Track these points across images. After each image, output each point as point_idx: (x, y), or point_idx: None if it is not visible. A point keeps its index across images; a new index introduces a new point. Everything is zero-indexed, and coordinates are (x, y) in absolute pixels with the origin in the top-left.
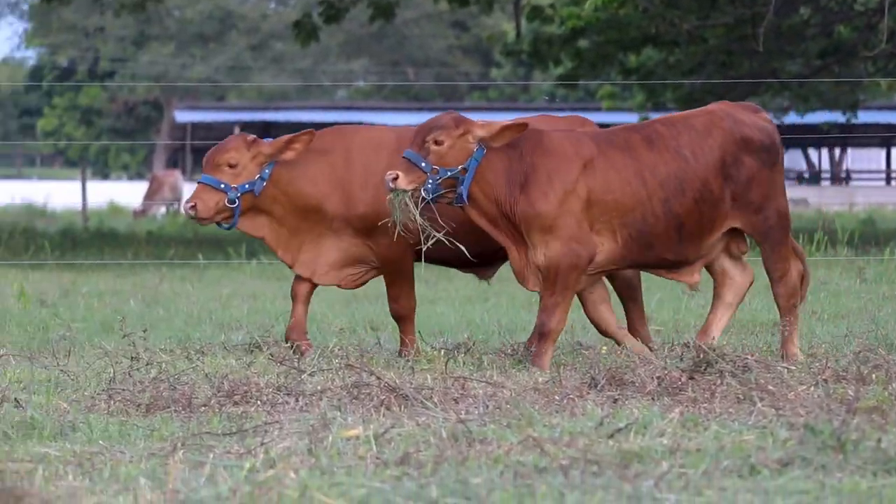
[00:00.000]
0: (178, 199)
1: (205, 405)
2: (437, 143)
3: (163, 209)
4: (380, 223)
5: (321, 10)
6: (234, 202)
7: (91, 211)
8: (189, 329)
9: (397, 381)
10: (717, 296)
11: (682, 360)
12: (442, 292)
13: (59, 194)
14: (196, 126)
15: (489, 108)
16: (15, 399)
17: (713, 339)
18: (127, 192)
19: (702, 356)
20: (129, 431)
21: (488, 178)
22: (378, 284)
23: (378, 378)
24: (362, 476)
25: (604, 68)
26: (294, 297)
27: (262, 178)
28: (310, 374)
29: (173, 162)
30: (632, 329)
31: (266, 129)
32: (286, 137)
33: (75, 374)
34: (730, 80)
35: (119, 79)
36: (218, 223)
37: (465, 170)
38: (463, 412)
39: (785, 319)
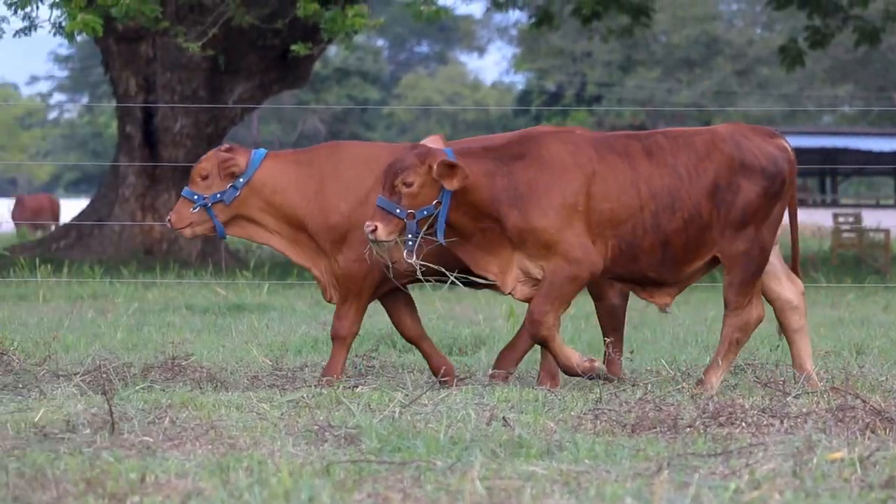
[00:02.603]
0: None
1: (690, 426)
2: (406, 185)
3: None
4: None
5: (807, 35)
6: (196, 210)
7: None
8: (675, 351)
9: (883, 405)
10: (784, 326)
11: None
12: None
13: None
14: None
15: None
16: (503, 418)
17: (808, 370)
18: None
19: None
20: (614, 451)
21: (467, 199)
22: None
23: (863, 401)
24: (847, 499)
25: None
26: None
27: (234, 188)
28: (794, 397)
29: None
30: (608, 358)
31: None
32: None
33: (562, 394)
34: None
35: (606, 103)
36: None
37: (439, 203)
38: None
39: (720, 348)
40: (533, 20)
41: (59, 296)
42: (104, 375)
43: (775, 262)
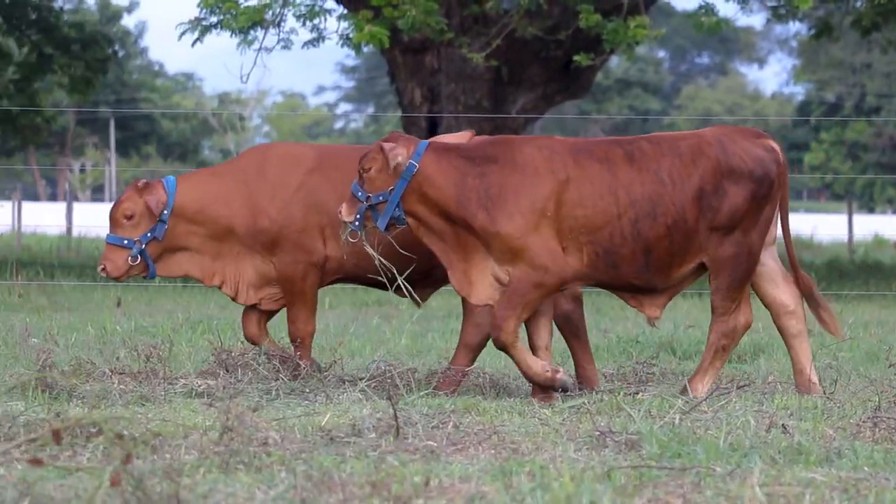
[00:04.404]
0: None
1: None
2: (364, 169)
3: None
4: (281, 240)
5: None
6: (137, 259)
7: (857, 243)
8: None
9: None
10: (782, 331)
11: None
12: None
13: (825, 227)
14: None
15: None
16: (783, 425)
17: (810, 378)
18: (892, 225)
19: None
20: (894, 459)
21: (431, 194)
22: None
23: None
24: None
25: None
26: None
27: (162, 222)
28: None
29: None
30: (578, 366)
31: None
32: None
33: (841, 401)
34: None
35: (885, 114)
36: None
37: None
38: None
39: (705, 355)
40: (813, 31)
41: (344, 302)
42: (389, 381)
43: (773, 265)
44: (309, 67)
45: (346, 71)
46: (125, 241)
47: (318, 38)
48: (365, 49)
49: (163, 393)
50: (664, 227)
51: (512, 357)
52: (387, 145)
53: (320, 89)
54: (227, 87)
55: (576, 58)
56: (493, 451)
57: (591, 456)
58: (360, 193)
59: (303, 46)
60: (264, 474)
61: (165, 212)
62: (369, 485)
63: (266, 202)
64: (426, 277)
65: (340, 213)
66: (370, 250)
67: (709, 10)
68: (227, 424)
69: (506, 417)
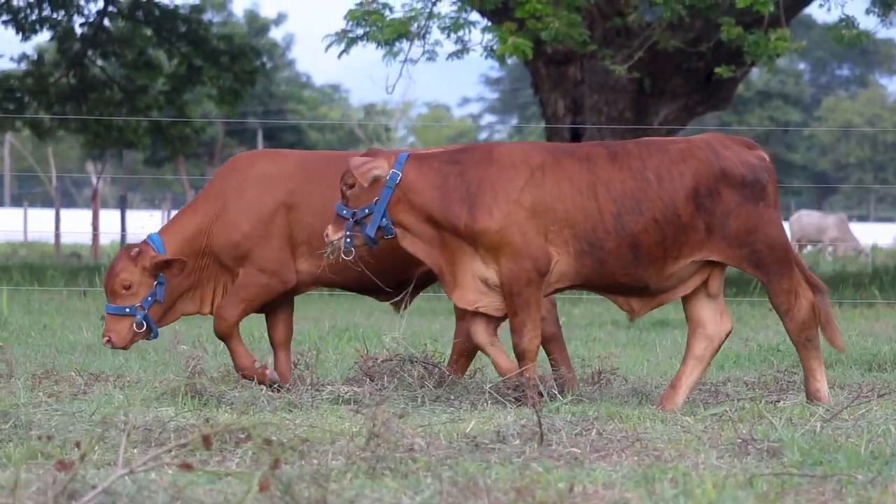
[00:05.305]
0: None
1: None
2: (348, 185)
3: None
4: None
5: None
6: (142, 325)
7: None
8: None
9: None
10: (688, 347)
11: None
12: None
13: None
14: None
15: None
16: None
17: (680, 396)
18: None
19: None
20: None
21: (416, 201)
22: None
23: None
24: None
25: None
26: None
27: (161, 284)
28: None
29: None
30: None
31: None
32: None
33: None
34: None
35: None
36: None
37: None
38: None
39: (801, 355)
40: None
41: None
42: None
43: (717, 293)
44: (453, 79)
45: (491, 82)
46: (127, 310)
47: (462, 50)
48: (509, 61)
49: (310, 399)
50: (651, 220)
51: (519, 360)
52: (355, 161)
53: (465, 101)
54: (372, 99)
55: (717, 70)
56: (636, 458)
57: (733, 463)
58: (344, 212)
59: (447, 58)
60: (410, 480)
61: (163, 275)
62: (514, 491)
63: (243, 220)
64: (397, 286)
65: (327, 235)
66: (368, 273)
67: (849, 22)
68: (373, 431)
69: (648, 425)
